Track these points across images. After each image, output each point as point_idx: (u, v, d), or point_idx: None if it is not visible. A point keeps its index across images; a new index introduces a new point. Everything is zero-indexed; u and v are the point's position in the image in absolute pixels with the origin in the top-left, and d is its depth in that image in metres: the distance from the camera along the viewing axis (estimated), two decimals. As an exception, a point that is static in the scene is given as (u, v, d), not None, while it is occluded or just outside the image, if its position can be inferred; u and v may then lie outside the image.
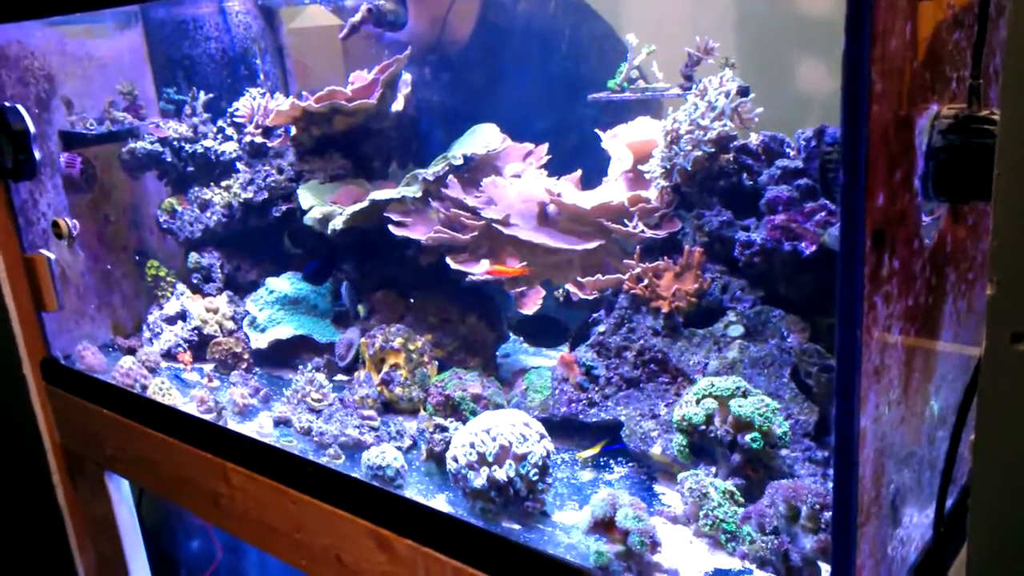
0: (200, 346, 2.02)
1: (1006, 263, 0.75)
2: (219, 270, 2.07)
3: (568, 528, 1.30)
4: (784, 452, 1.30)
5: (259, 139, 2.01)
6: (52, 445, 2.16)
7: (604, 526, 1.20)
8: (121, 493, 2.22)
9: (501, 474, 1.29)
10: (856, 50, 0.79)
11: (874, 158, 0.83)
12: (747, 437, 1.25)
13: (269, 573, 2.63)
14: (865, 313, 0.86)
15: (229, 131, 2.12)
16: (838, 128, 1.14)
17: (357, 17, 1.63)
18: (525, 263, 1.61)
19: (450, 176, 1.71)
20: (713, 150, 1.49)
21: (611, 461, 1.48)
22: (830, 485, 1.22)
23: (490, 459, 1.30)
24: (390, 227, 1.69)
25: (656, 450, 1.38)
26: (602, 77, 1.78)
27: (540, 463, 1.30)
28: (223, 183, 2.06)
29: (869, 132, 0.81)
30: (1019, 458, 0.79)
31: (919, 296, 1.01)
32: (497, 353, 1.82)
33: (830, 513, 1.09)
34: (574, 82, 1.92)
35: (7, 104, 1.95)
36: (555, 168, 1.80)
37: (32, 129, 1.95)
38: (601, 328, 1.54)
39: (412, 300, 1.74)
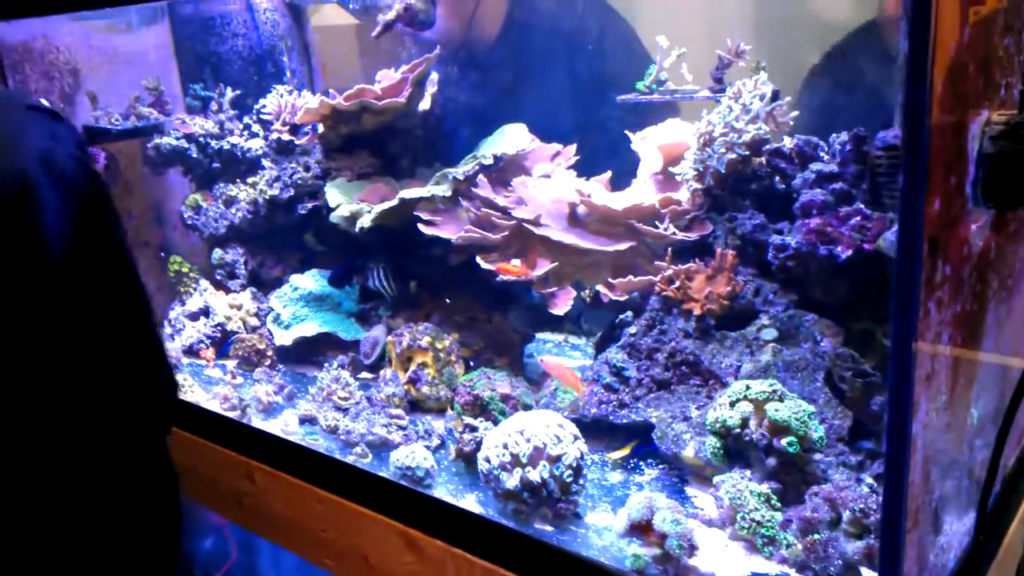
0: (223, 342, 2.01)
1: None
2: (243, 266, 2.07)
3: (601, 530, 1.30)
4: (818, 456, 1.29)
5: (286, 136, 2.01)
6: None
7: (641, 529, 1.19)
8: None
9: (535, 475, 1.28)
10: (919, 54, 0.79)
11: (933, 163, 0.82)
12: (783, 441, 1.25)
13: (284, 573, 2.62)
14: (920, 319, 0.86)
15: (255, 128, 2.12)
16: (888, 132, 1.14)
17: (391, 15, 1.63)
18: (556, 263, 1.61)
19: (480, 176, 1.71)
20: (747, 153, 1.49)
21: (641, 463, 1.47)
22: (864, 489, 1.22)
23: (524, 460, 1.30)
24: (420, 226, 1.69)
25: (688, 452, 1.38)
26: (626, 78, 1.78)
27: (574, 464, 1.30)
28: (249, 180, 2.06)
29: (929, 137, 0.81)
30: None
31: (966, 303, 1.01)
32: (523, 353, 1.82)
33: (873, 518, 1.09)
34: (601, 83, 1.92)
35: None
36: (581, 169, 1.79)
37: (57, 123, 1.94)
38: (632, 330, 1.54)
39: (448, 301, 1.73)
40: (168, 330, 2.10)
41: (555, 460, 1.29)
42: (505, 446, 1.32)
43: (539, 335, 1.96)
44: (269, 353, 1.95)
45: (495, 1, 1.97)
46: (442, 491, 1.44)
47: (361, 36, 2.26)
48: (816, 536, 1.12)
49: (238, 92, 2.16)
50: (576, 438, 1.33)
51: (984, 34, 0.93)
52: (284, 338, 1.92)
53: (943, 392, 0.99)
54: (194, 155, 2.12)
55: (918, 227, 0.83)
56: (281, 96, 2.04)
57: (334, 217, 1.82)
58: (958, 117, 0.89)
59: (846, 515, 1.08)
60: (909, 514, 0.93)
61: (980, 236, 1.03)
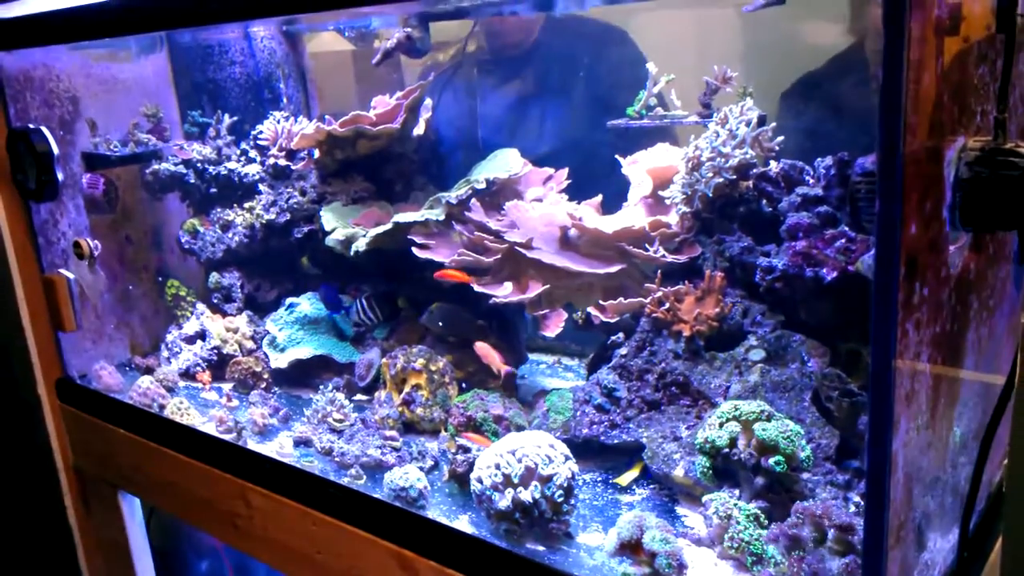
0: (219, 365, 2.03)
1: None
2: (240, 290, 2.09)
3: (592, 550, 1.31)
4: (806, 475, 1.31)
5: (283, 161, 2.04)
6: (64, 465, 2.17)
7: (631, 548, 1.21)
8: (133, 514, 2.22)
9: (527, 495, 1.30)
10: (893, 82, 0.82)
11: (908, 188, 0.85)
12: (771, 460, 1.27)
13: (279, 594, 2.62)
14: (899, 339, 0.88)
15: (252, 153, 2.15)
16: (867, 159, 1.17)
17: (391, 43, 1.67)
18: (547, 286, 1.63)
19: (473, 200, 1.74)
20: (734, 177, 1.52)
21: (633, 484, 1.49)
22: (852, 508, 1.24)
23: (515, 480, 1.31)
24: (413, 249, 1.71)
25: (679, 472, 1.40)
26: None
27: (565, 485, 1.31)
28: (246, 204, 2.08)
29: (904, 163, 0.84)
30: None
31: (945, 323, 1.03)
32: (517, 374, 1.84)
33: (857, 536, 1.11)
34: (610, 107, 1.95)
35: (32, 126, 1.97)
36: (579, 193, 1.82)
37: (56, 151, 1.97)
38: (623, 351, 1.56)
39: (441, 324, 1.75)
40: (165, 353, 2.12)
41: (546, 480, 1.31)
42: (497, 466, 1.33)
43: (532, 356, 1.98)
44: (265, 376, 1.97)
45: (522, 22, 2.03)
46: (436, 512, 1.45)
47: (356, 62, 2.30)
48: (800, 553, 1.14)
49: (235, 118, 2.20)
50: (567, 458, 1.35)
51: (958, 64, 0.96)
52: (280, 361, 1.94)
53: (924, 411, 1.01)
54: (192, 180, 2.15)
55: (895, 250, 0.85)
56: (278, 122, 2.07)
57: (329, 241, 1.85)
58: (933, 144, 0.92)
59: (831, 532, 1.10)
60: (891, 531, 0.95)
61: (959, 258, 1.06)
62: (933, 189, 0.93)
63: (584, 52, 2.04)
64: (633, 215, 1.70)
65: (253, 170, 2.12)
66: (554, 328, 1.62)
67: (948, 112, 0.95)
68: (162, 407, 1.90)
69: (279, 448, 1.71)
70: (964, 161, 0.98)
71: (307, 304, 1.98)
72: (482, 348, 1.68)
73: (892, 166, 0.83)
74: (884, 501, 0.92)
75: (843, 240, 1.40)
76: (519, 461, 1.32)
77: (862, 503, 1.22)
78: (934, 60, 0.90)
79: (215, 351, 2.03)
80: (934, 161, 0.93)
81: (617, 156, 1.76)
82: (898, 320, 0.87)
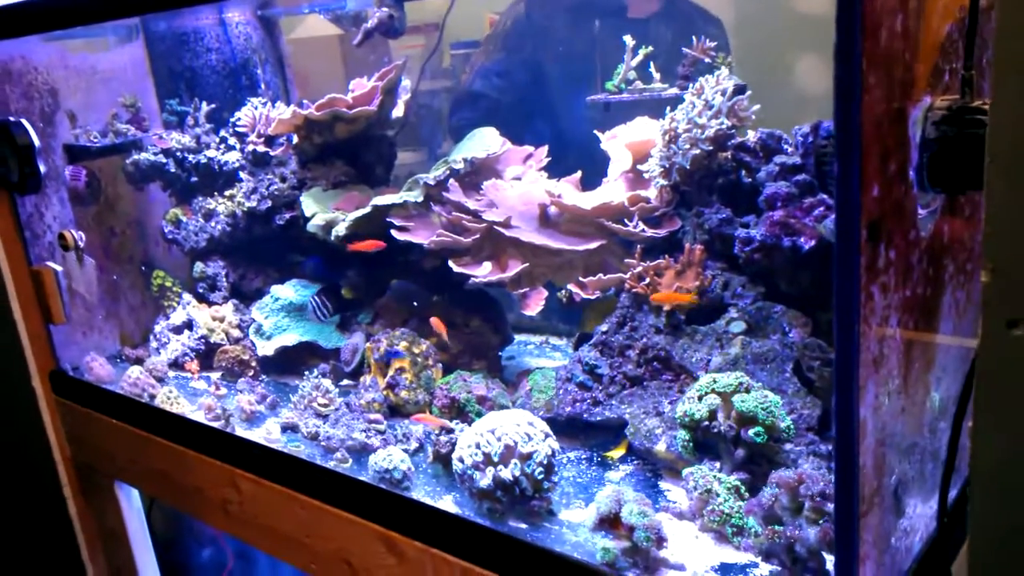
0: (207, 354, 2.03)
1: (999, 250, 0.76)
2: (224, 279, 2.09)
3: (575, 526, 1.31)
4: (788, 446, 1.30)
5: (261, 148, 2.03)
6: (62, 457, 2.18)
7: (610, 523, 1.20)
8: (131, 503, 2.23)
9: (507, 473, 1.29)
10: (847, 44, 0.80)
11: (867, 150, 0.84)
12: (751, 432, 1.26)
13: (280, 579, 2.64)
14: (862, 303, 0.87)
15: (232, 141, 2.14)
16: (831, 121, 1.15)
17: (372, 23, 1.66)
18: (527, 264, 1.62)
19: (451, 180, 1.73)
20: (711, 148, 1.50)
21: (618, 460, 1.48)
22: (830, 475, 1.23)
23: (495, 459, 1.31)
24: (393, 232, 1.70)
25: (661, 447, 1.39)
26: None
27: (545, 462, 1.31)
28: (227, 192, 2.07)
29: (862, 124, 0.82)
30: (1018, 442, 0.80)
31: (917, 287, 1.02)
32: (501, 355, 1.83)
33: (832, 503, 1.10)
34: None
35: (12, 119, 1.97)
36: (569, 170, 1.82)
37: (37, 143, 1.97)
38: (604, 327, 1.55)
39: (416, 304, 1.76)
40: (154, 344, 2.12)
41: (526, 458, 1.31)
42: (477, 446, 1.33)
43: (519, 336, 1.98)
44: (252, 364, 1.97)
45: None
46: (420, 493, 1.45)
47: (334, 46, 2.28)
48: (777, 523, 1.13)
49: (214, 106, 2.18)
50: (547, 436, 1.34)
51: (922, 22, 0.94)
52: (266, 348, 1.94)
53: (896, 376, 1.00)
54: (172, 170, 2.14)
55: (854, 213, 0.84)
56: (255, 108, 2.06)
57: (310, 226, 1.84)
58: (896, 104, 0.90)
59: (807, 501, 1.09)
60: (863, 497, 0.94)
61: (931, 221, 1.04)
62: (897, 150, 0.91)
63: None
64: (613, 190, 1.69)
65: (233, 157, 2.11)
66: (534, 307, 1.61)
67: (912, 71, 0.93)
68: (152, 397, 1.90)
69: (267, 434, 1.71)
70: (931, 121, 0.96)
71: (291, 291, 1.97)
72: (434, 321, 1.70)
73: (848, 127, 0.81)
74: (853, 467, 0.91)
75: (822, 208, 1.39)
76: (499, 440, 1.32)
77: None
78: (894, 18, 0.88)
79: (202, 340, 2.03)
80: (897, 121, 0.91)
81: (596, 131, 1.74)
82: (861, 284, 0.86)
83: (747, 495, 1.24)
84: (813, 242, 1.36)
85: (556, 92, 2.14)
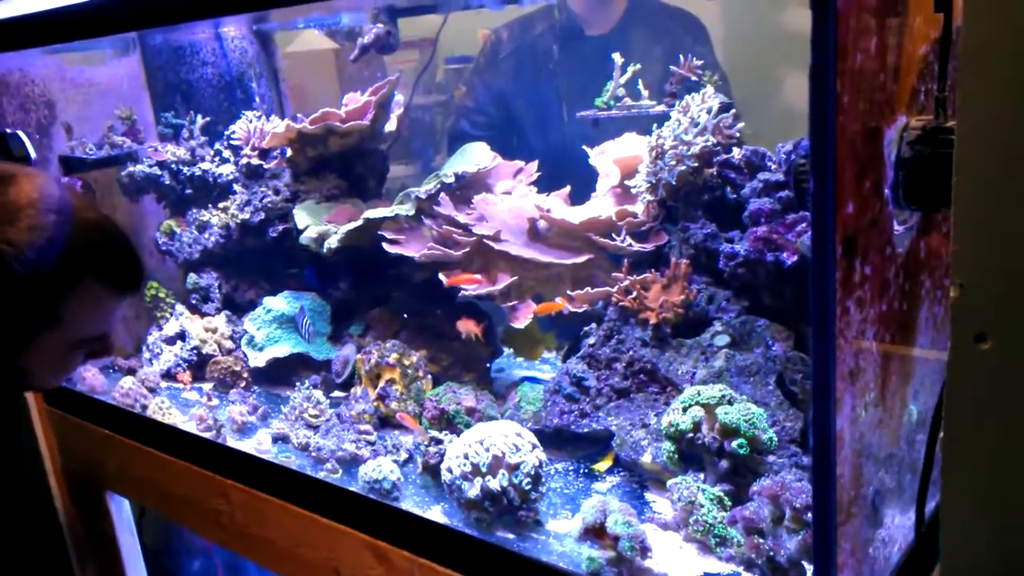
0: (200, 365, 2.05)
1: (967, 266, 0.78)
2: (217, 290, 2.10)
3: (561, 536, 1.32)
4: (771, 458, 1.32)
5: (255, 161, 2.05)
6: (53, 466, 2.19)
7: (595, 532, 1.22)
8: (122, 513, 2.23)
9: (495, 484, 1.31)
10: (822, 64, 0.83)
11: (842, 168, 0.86)
12: (734, 443, 1.28)
13: (269, 591, 2.64)
14: (838, 317, 0.89)
15: (226, 153, 2.17)
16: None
17: (368, 39, 1.69)
18: (516, 277, 1.64)
19: (442, 194, 1.75)
20: (697, 164, 1.53)
21: (606, 472, 1.50)
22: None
23: (483, 469, 1.32)
24: (384, 244, 1.73)
25: (646, 458, 1.41)
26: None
27: (533, 473, 1.33)
28: (221, 205, 2.10)
29: (836, 143, 0.85)
30: (988, 455, 0.82)
31: (894, 301, 1.04)
32: (491, 367, 1.85)
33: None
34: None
35: (8, 131, 1.99)
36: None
37: (33, 155, 1.98)
38: (591, 340, 1.57)
39: (406, 316, 1.78)
40: (146, 354, 2.13)
41: (514, 468, 1.32)
42: (466, 456, 1.35)
43: (507, 349, 1.99)
44: (244, 375, 1.98)
45: None
46: (409, 503, 1.47)
47: (328, 60, 2.31)
48: (758, 533, 1.15)
49: (208, 119, 2.21)
50: (535, 447, 1.36)
51: (897, 43, 0.97)
52: (258, 360, 1.95)
53: (872, 388, 1.02)
54: (167, 182, 2.16)
55: (829, 229, 0.86)
56: (250, 122, 2.08)
57: (303, 239, 1.86)
58: (871, 123, 0.93)
59: (788, 511, 1.11)
60: (841, 507, 0.96)
61: (908, 237, 1.07)
62: (872, 168, 0.94)
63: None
64: (601, 205, 1.71)
65: (227, 170, 2.13)
66: (523, 319, 1.63)
67: (887, 92, 0.96)
68: (144, 407, 1.91)
69: (258, 445, 1.72)
70: (906, 140, 0.98)
71: (284, 303, 1.99)
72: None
73: (823, 146, 0.84)
74: (830, 477, 0.93)
75: (804, 224, 1.42)
76: (487, 450, 1.33)
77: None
78: (870, 40, 0.91)
79: (195, 351, 2.04)
80: (872, 140, 0.94)
81: (584, 147, 1.77)
82: (836, 298, 0.88)
83: (731, 506, 1.25)
84: (795, 257, 1.39)
85: (547, 109, 2.18)
